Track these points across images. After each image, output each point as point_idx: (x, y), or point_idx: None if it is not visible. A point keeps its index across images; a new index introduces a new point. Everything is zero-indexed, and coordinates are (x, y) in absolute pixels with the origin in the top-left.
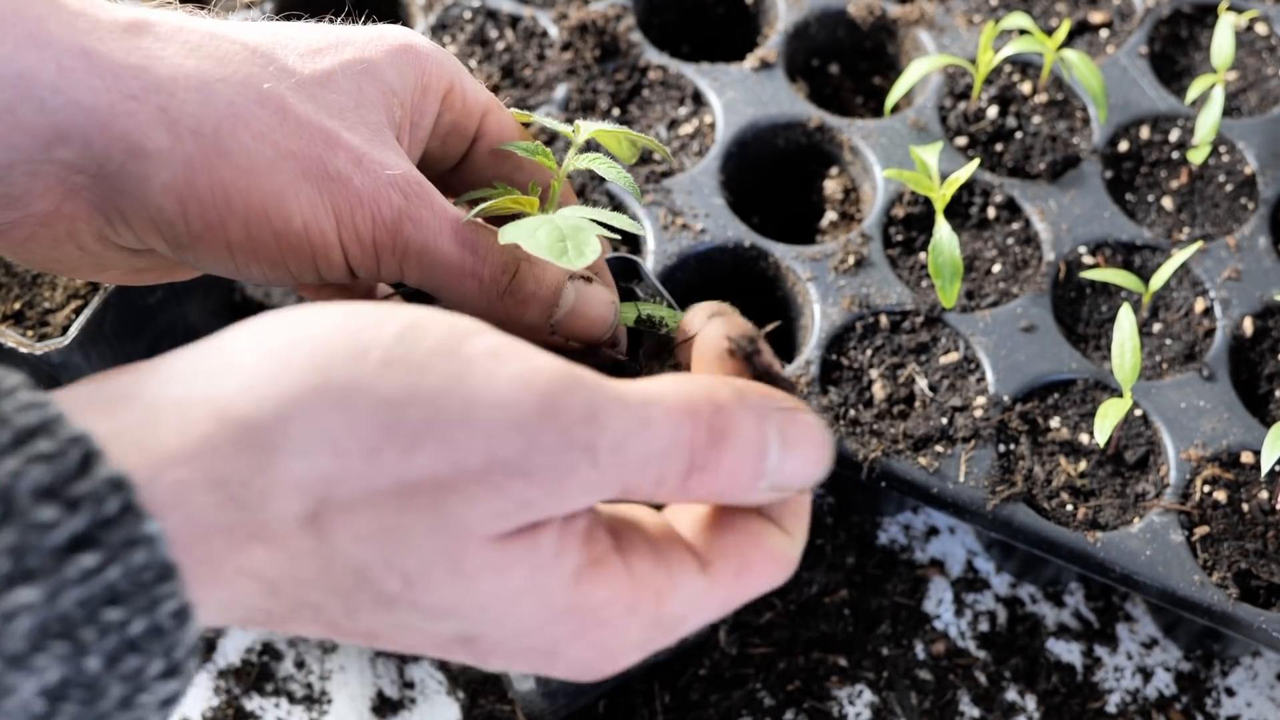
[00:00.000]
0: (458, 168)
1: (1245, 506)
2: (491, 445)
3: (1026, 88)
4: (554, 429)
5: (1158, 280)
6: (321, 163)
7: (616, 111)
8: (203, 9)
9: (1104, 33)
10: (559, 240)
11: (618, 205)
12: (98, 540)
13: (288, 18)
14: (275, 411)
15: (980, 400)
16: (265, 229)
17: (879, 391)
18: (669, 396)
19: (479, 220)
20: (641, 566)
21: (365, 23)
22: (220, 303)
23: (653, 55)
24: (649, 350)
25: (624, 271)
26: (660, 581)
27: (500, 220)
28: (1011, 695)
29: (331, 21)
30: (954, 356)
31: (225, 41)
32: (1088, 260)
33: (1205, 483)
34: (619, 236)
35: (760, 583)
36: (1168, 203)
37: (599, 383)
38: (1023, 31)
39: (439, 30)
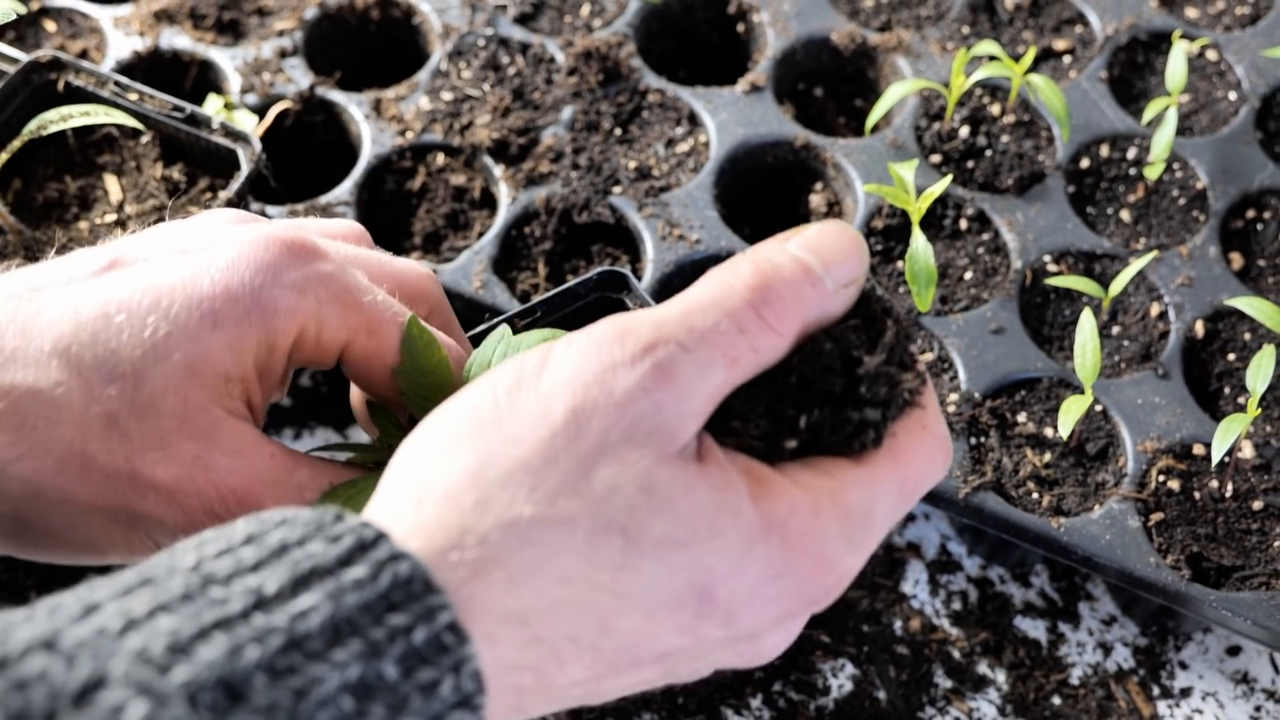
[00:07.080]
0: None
1: (1197, 494)
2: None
3: (996, 109)
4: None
5: (1116, 286)
6: (129, 508)
7: (619, 131)
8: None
9: (1067, 59)
10: None
11: (620, 218)
12: (366, 561)
13: (317, 50)
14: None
15: (953, 397)
16: (86, 558)
17: None
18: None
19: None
20: (800, 476)
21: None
22: None
23: (652, 79)
24: None
25: (613, 283)
26: (823, 482)
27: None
28: (982, 668)
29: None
30: (929, 357)
31: (30, 397)
32: (1052, 268)
33: (1160, 473)
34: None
35: (920, 458)
36: (1125, 215)
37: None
38: (992, 58)
39: (455, 57)
